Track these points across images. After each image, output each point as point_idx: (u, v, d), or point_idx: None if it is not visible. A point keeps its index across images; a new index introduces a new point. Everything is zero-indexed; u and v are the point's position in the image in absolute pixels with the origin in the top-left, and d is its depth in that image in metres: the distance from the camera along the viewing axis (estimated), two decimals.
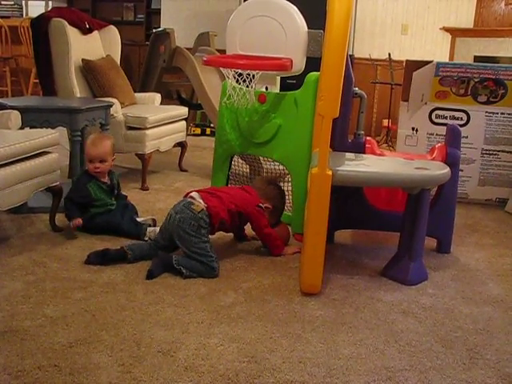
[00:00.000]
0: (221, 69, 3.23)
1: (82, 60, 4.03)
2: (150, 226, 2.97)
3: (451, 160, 2.81)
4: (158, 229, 2.87)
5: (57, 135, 2.94)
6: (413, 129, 4.08)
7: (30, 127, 3.07)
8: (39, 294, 2.25)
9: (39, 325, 2.00)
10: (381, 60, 6.09)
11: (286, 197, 3.25)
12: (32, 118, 3.09)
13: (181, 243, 2.56)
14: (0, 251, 2.66)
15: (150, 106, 4.49)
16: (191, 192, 2.71)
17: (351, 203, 2.89)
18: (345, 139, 2.92)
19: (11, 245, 2.75)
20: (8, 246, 2.73)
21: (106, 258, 2.57)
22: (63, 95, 3.89)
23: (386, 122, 5.99)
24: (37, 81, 5.90)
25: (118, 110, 3.85)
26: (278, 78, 3.38)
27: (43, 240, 2.83)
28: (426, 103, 4.02)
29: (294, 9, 3.09)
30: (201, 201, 2.61)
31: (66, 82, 3.89)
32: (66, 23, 3.88)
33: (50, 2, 8.62)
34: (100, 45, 4.41)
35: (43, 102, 3.43)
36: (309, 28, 3.10)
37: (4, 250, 2.67)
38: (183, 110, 4.46)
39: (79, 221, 2.89)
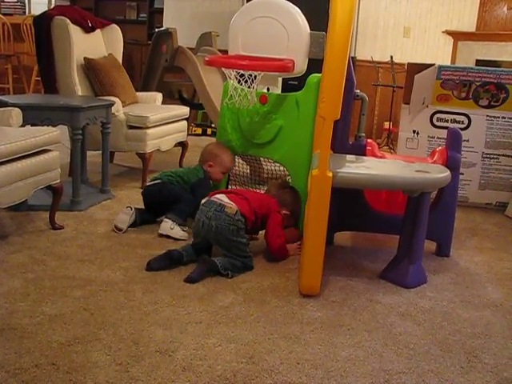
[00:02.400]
0: (223, 69, 3.23)
1: (84, 58, 4.03)
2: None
3: (452, 163, 2.81)
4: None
5: (58, 133, 2.94)
6: (414, 132, 4.08)
7: (31, 125, 3.07)
8: (38, 291, 2.25)
9: (37, 323, 2.00)
10: (383, 62, 6.09)
11: None
12: (33, 116, 3.09)
13: (220, 247, 2.56)
14: None
15: (152, 105, 4.49)
16: (215, 193, 2.69)
17: (351, 205, 2.89)
18: (346, 141, 2.92)
19: (11, 242, 2.75)
20: (7, 243, 2.73)
21: (167, 260, 2.54)
22: (65, 93, 3.89)
23: (387, 125, 5.99)
24: (38, 79, 5.89)
25: (119, 109, 3.85)
26: (280, 79, 3.38)
27: (43, 238, 2.83)
28: (427, 106, 4.03)
29: (296, 10, 3.09)
30: (231, 202, 2.59)
31: (68, 80, 3.89)
32: (69, 21, 3.89)
33: (53, 0, 8.63)
34: (102, 43, 4.41)
35: (45, 100, 3.43)
36: (311, 29, 3.10)
37: (3, 248, 2.67)
38: (184, 110, 4.46)
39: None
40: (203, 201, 2.68)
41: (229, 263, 2.52)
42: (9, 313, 2.06)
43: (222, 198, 2.62)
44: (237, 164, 3.42)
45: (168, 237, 2.93)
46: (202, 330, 2.03)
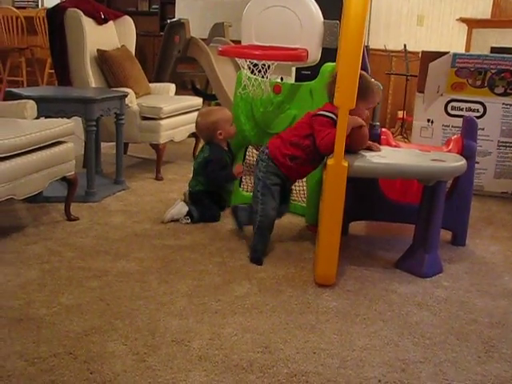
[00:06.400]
0: (236, 59, 3.22)
1: (97, 50, 4.04)
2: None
3: (467, 152, 2.79)
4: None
5: (72, 125, 2.96)
6: (428, 120, 4.04)
7: (46, 117, 3.08)
8: (54, 282, 2.27)
9: (54, 313, 2.02)
10: (396, 51, 6.04)
11: (300, 187, 3.24)
12: (47, 108, 3.10)
13: None
14: (16, 240, 2.68)
15: (165, 96, 4.49)
16: None
17: (366, 195, 2.88)
18: None
19: (27, 233, 2.77)
20: (24, 234, 2.76)
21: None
22: (78, 85, 3.90)
23: (400, 114, 5.95)
24: (52, 71, 5.92)
25: (132, 100, 3.85)
26: (294, 69, 3.37)
27: (58, 229, 2.85)
28: (441, 95, 3.99)
29: None
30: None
31: (81, 73, 3.90)
32: (82, 13, 3.89)
33: None
34: (115, 35, 4.41)
35: (58, 92, 3.44)
36: (324, 18, 3.08)
37: (20, 239, 2.69)
38: (198, 101, 4.46)
39: (239, 167, 3.13)
40: None
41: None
42: (26, 303, 2.08)
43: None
44: (251, 154, 3.41)
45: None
46: (217, 320, 2.04)
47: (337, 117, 2.32)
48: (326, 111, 2.55)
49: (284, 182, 2.68)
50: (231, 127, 3.17)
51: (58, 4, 4.02)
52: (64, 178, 2.95)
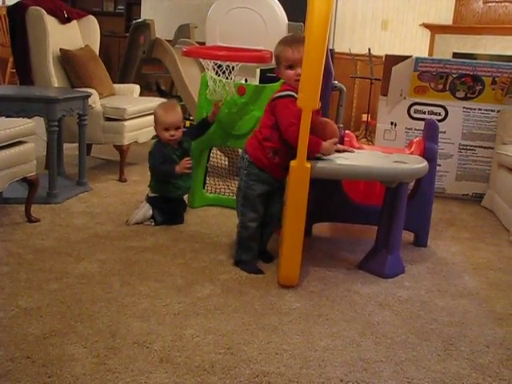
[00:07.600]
0: (200, 60, 3.21)
1: (60, 50, 3.97)
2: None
3: (429, 154, 2.83)
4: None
5: (33, 125, 2.90)
6: (391, 123, 4.09)
7: (6, 116, 3.02)
8: (13, 284, 2.22)
9: (12, 316, 1.98)
10: (361, 55, 6.10)
11: None
12: (8, 107, 3.05)
13: None
14: None
15: (129, 97, 4.44)
16: None
17: (329, 196, 2.90)
18: None
19: None
20: None
21: None
22: (40, 85, 3.84)
23: (365, 117, 6.01)
24: (14, 71, 5.80)
25: (96, 101, 3.80)
26: (258, 71, 3.37)
27: (18, 231, 2.79)
28: (404, 98, 4.04)
29: (274, 1, 3.08)
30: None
31: (44, 72, 3.83)
32: (44, 12, 3.82)
33: None
34: (79, 35, 4.35)
35: (20, 91, 3.38)
36: (289, 20, 3.09)
37: None
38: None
39: (186, 162, 3.01)
40: None
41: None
42: None
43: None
44: (214, 155, 3.40)
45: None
46: (179, 322, 2.02)
47: (296, 93, 2.28)
48: (283, 91, 2.43)
49: (271, 185, 2.54)
50: (162, 132, 3.02)
51: (20, 1, 3.94)
52: (25, 179, 2.89)
